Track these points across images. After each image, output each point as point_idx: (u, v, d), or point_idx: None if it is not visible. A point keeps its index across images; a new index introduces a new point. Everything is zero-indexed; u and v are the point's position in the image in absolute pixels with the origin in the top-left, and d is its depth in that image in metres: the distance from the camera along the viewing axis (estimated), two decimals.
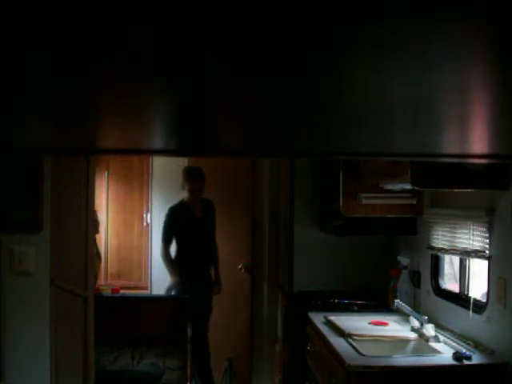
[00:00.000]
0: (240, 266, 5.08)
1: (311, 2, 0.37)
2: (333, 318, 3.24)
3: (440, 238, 3.14)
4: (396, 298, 3.31)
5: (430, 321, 2.97)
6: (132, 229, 6.09)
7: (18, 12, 0.38)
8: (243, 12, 0.38)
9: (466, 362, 2.48)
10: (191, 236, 4.76)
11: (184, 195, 4.80)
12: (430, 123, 0.86)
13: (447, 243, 3.06)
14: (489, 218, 2.63)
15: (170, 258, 4.75)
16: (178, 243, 4.79)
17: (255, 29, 0.42)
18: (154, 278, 5.95)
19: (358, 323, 3.15)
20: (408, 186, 2.71)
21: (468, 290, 2.99)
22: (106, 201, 6.03)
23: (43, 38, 0.44)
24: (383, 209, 3.33)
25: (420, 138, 1.04)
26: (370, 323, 3.19)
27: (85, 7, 0.38)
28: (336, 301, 3.67)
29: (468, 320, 2.80)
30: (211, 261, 4.83)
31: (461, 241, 2.91)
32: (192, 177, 4.68)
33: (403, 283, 3.49)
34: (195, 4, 0.37)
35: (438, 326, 2.98)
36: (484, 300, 2.73)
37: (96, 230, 5.02)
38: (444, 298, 3.17)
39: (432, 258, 3.31)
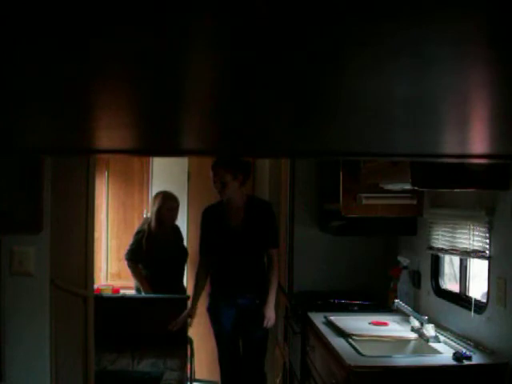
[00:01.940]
0: None
1: (312, 2, 0.37)
2: (333, 318, 3.24)
3: (440, 238, 3.15)
4: (396, 298, 3.31)
5: (430, 321, 2.97)
6: (132, 229, 6.09)
7: (18, 11, 0.38)
8: (244, 10, 0.38)
9: (466, 362, 2.48)
10: (224, 249, 3.67)
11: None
12: (430, 123, 0.86)
13: (447, 243, 3.06)
14: (489, 218, 2.63)
15: (201, 276, 3.77)
16: (214, 258, 3.75)
17: (254, 28, 0.42)
18: None
19: (358, 323, 3.15)
20: (408, 186, 2.70)
21: (468, 291, 2.99)
22: (105, 201, 6.04)
23: (43, 38, 0.44)
24: (383, 209, 3.33)
25: (420, 138, 1.04)
26: (370, 323, 3.19)
27: (87, 7, 0.38)
28: (336, 301, 3.67)
29: (468, 320, 2.80)
30: (251, 281, 3.68)
31: (461, 241, 2.91)
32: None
33: (403, 283, 3.49)
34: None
35: (438, 326, 2.98)
36: (484, 300, 2.73)
37: (171, 218, 4.60)
38: (444, 298, 3.17)
39: (432, 258, 3.31)
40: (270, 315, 3.63)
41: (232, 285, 3.65)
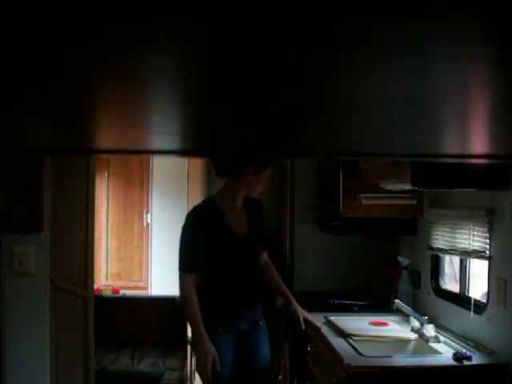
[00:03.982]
0: None
1: (311, 2, 0.37)
2: (333, 318, 3.24)
3: (440, 238, 3.15)
4: (396, 299, 3.31)
5: (430, 321, 2.97)
6: (132, 229, 6.10)
7: (18, 11, 0.38)
8: (245, 11, 0.38)
9: (466, 363, 2.48)
10: (225, 261, 2.89)
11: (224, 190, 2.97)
12: (430, 123, 0.86)
13: (447, 243, 3.06)
14: (489, 218, 2.63)
15: (194, 299, 2.78)
16: (204, 274, 2.92)
17: (256, 28, 0.42)
18: (153, 278, 5.96)
19: (358, 323, 3.15)
20: (408, 187, 2.71)
21: (468, 291, 3.00)
22: (106, 201, 6.04)
23: (43, 38, 0.44)
24: (383, 209, 3.33)
25: (420, 138, 1.04)
26: (370, 323, 3.19)
27: (87, 7, 0.38)
28: (336, 301, 3.67)
29: (468, 320, 2.80)
30: (255, 297, 3.02)
31: (461, 241, 2.91)
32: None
33: (403, 283, 3.49)
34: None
35: (438, 327, 2.98)
36: (484, 300, 2.73)
37: None
38: (444, 299, 3.17)
39: (432, 258, 3.31)
40: (306, 314, 3.12)
41: (234, 306, 2.89)
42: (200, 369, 2.75)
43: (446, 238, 3.07)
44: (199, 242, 2.82)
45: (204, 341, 2.74)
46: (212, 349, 2.73)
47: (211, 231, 2.84)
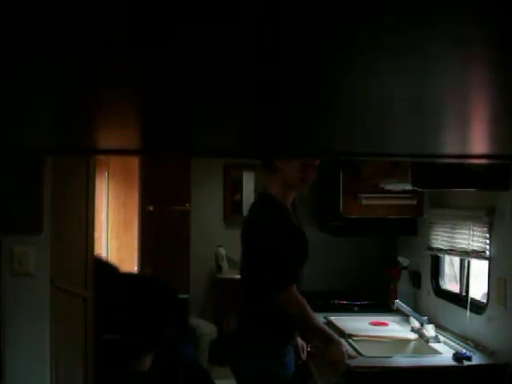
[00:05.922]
0: None
1: (311, 2, 0.37)
2: (333, 318, 3.25)
3: (440, 238, 3.15)
4: (396, 299, 3.31)
5: (430, 321, 2.97)
6: (132, 229, 6.09)
7: (17, 9, 0.38)
8: (244, 11, 0.38)
9: (466, 363, 2.48)
10: (301, 264, 2.57)
11: (275, 184, 2.50)
12: (430, 123, 0.86)
13: (447, 244, 3.06)
14: (489, 218, 2.63)
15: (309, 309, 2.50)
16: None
17: (256, 27, 0.42)
18: None
19: (359, 324, 3.15)
20: (408, 187, 2.71)
21: (468, 291, 3.00)
22: (106, 201, 6.04)
23: (44, 37, 0.44)
24: (383, 209, 3.34)
25: (420, 138, 1.04)
26: (370, 324, 3.19)
27: (87, 7, 0.38)
28: (336, 301, 3.67)
29: (468, 320, 2.80)
30: None
31: (461, 241, 2.91)
32: None
33: (403, 284, 3.49)
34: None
35: (438, 327, 2.98)
36: (484, 300, 2.73)
37: None
38: (444, 299, 3.17)
39: (432, 258, 3.31)
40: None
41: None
42: (340, 359, 2.43)
43: (446, 239, 3.07)
44: (288, 249, 2.42)
45: (334, 334, 2.54)
46: (342, 341, 2.56)
47: (290, 235, 2.47)
